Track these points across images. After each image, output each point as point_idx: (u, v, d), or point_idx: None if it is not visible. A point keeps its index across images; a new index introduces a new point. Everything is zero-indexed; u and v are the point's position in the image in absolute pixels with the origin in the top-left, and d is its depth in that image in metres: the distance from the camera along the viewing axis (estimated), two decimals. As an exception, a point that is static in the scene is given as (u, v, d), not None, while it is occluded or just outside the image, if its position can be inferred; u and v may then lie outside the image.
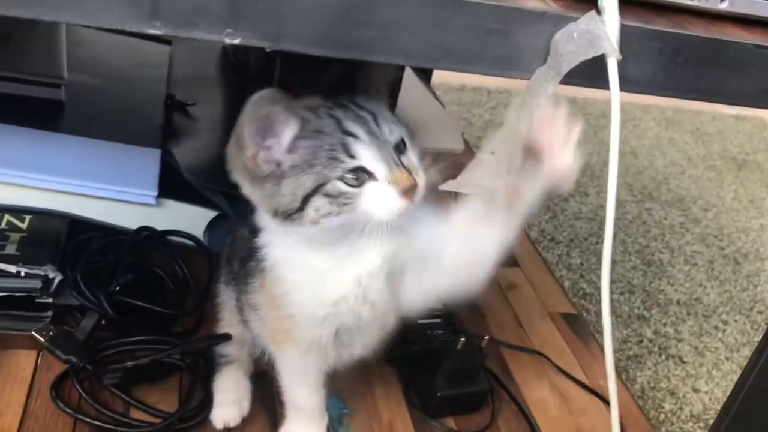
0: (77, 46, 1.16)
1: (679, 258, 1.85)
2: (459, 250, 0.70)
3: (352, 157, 0.65)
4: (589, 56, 0.52)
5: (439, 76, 2.33)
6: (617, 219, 1.96)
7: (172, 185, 1.05)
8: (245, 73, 1.37)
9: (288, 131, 0.65)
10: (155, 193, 1.02)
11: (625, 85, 0.56)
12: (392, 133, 0.67)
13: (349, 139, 0.65)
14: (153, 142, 1.10)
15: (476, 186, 0.65)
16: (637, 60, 0.55)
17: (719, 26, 0.58)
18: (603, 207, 2.02)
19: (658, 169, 2.28)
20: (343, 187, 0.65)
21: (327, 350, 0.78)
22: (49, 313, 0.93)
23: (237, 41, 0.49)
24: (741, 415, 0.83)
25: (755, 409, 0.82)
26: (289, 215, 0.67)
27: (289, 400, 0.86)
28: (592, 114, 2.55)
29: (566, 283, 1.61)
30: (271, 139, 0.65)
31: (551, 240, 1.79)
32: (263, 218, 0.73)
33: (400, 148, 0.68)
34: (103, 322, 0.93)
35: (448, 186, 0.67)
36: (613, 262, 1.74)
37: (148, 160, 1.06)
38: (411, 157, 0.68)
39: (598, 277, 1.67)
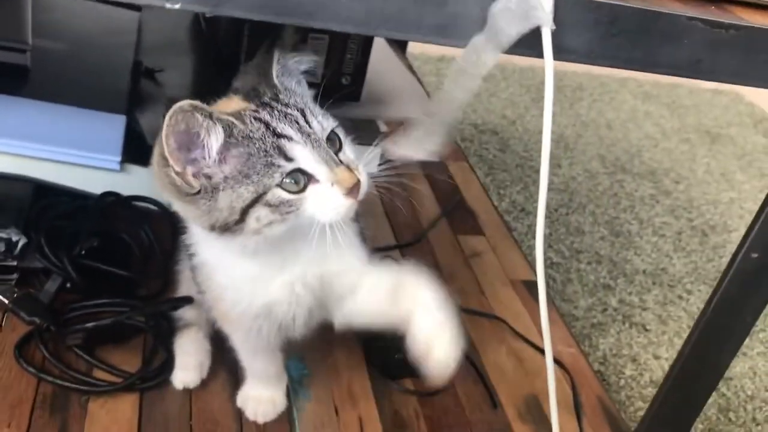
0: (43, 12, 1.16)
1: (647, 229, 1.88)
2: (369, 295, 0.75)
3: (289, 159, 0.62)
4: (526, 29, 0.53)
5: (417, 46, 2.33)
6: (588, 190, 1.98)
7: (138, 151, 1.06)
8: (215, 41, 1.37)
9: (214, 140, 0.61)
10: (119, 159, 1.03)
11: (563, 54, 0.58)
12: (323, 127, 0.66)
13: (283, 141, 0.63)
14: (118, 109, 1.10)
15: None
16: (574, 30, 0.57)
17: (656, -3, 0.59)
18: (574, 179, 2.06)
19: (632, 141, 2.31)
20: (284, 194, 0.63)
21: (268, 335, 0.79)
22: (14, 276, 0.94)
23: (177, 6, 0.51)
24: (682, 376, 0.86)
25: (695, 369, 0.85)
26: (227, 228, 0.64)
27: (246, 367, 0.88)
28: (568, 86, 2.57)
29: (533, 253, 1.63)
30: (196, 151, 0.61)
31: (521, 210, 1.81)
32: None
33: (333, 141, 0.66)
34: (68, 285, 0.94)
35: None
36: (582, 232, 1.78)
37: (113, 126, 1.06)
38: (347, 151, 0.67)
39: (567, 246, 1.71)
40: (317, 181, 0.64)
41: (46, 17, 1.17)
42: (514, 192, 1.88)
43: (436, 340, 0.68)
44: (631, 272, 1.70)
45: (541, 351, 1.08)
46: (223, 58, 1.32)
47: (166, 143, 0.59)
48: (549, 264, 1.65)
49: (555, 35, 0.55)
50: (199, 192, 0.63)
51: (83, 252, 0.96)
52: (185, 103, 0.59)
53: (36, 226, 0.96)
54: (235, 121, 0.62)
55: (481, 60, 0.56)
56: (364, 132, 1.25)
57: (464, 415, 0.95)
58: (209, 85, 1.31)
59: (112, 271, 0.97)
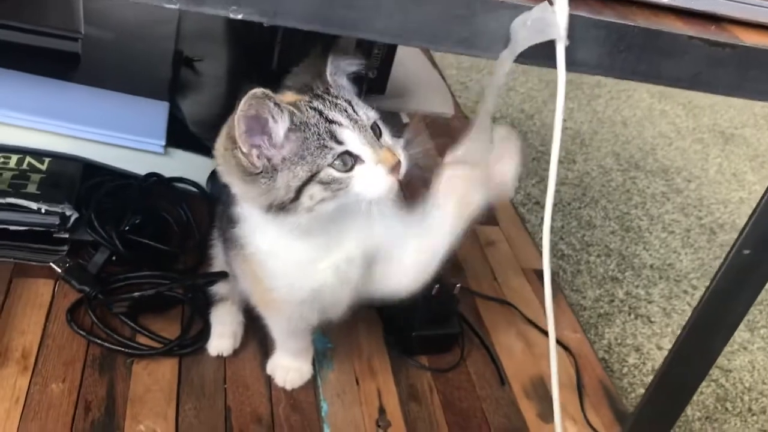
0: (93, 2, 1.24)
1: (657, 225, 1.94)
2: (414, 252, 0.81)
3: (340, 142, 0.70)
4: (540, 41, 0.60)
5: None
6: (601, 186, 2.05)
7: (179, 135, 1.14)
8: (251, 33, 1.45)
9: (280, 126, 0.69)
10: (163, 142, 1.11)
11: (575, 66, 0.64)
12: (368, 117, 0.73)
13: (334, 127, 0.70)
14: (161, 95, 1.18)
15: (470, 159, 0.74)
16: (585, 45, 0.64)
17: (660, 17, 0.66)
18: (588, 174, 2.12)
19: (646, 139, 2.36)
20: (335, 173, 0.70)
21: (309, 318, 0.87)
22: (65, 248, 1.03)
23: (240, 16, 0.58)
24: (677, 362, 0.93)
25: (689, 355, 0.92)
26: (283, 207, 0.71)
27: (278, 342, 0.96)
28: (586, 83, 2.62)
29: (546, 244, 1.70)
30: (263, 135, 0.69)
31: (536, 203, 1.88)
32: (245, 210, 0.79)
33: (375, 130, 0.73)
34: (114, 258, 1.03)
35: (449, 160, 0.76)
36: (593, 226, 1.84)
37: (157, 112, 1.15)
38: (386, 137, 0.75)
39: (578, 239, 1.78)
40: (363, 161, 0.71)
41: (95, 7, 1.25)
42: (529, 185, 1.95)
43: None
44: (638, 266, 1.76)
45: (548, 335, 1.15)
46: (258, 47, 1.40)
47: (237, 126, 0.67)
48: (560, 255, 1.72)
49: (568, 49, 0.62)
50: (260, 172, 0.70)
51: (128, 227, 1.04)
52: (258, 90, 0.66)
53: (86, 203, 1.04)
54: (295, 110, 0.70)
55: (502, 69, 0.63)
56: (388, 124, 1.32)
57: (474, 391, 1.03)
58: (245, 73, 1.39)
59: (154, 245, 1.05)
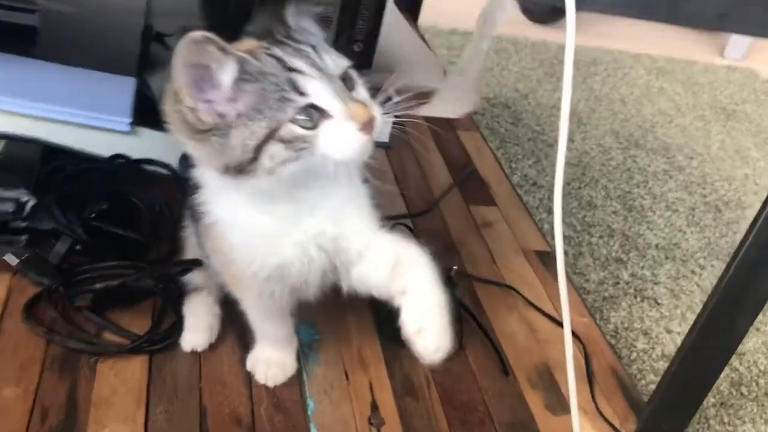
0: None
1: (660, 204, 1.86)
2: (367, 273, 0.75)
3: (302, 94, 0.61)
4: None
5: (429, 20, 2.31)
6: (601, 165, 1.96)
7: (148, 114, 1.05)
8: (225, 5, 1.36)
9: (226, 75, 0.60)
10: (129, 120, 1.02)
11: (586, 4, 0.56)
12: (336, 64, 0.64)
13: (296, 75, 0.61)
14: (128, 71, 1.09)
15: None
16: (597, -22, 0.55)
17: (681, -54, 0.57)
18: (587, 153, 2.03)
19: (645, 117, 2.28)
20: (298, 130, 0.61)
21: (280, 299, 0.78)
22: (24, 237, 0.94)
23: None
24: (697, 345, 0.85)
25: (711, 336, 0.84)
26: (241, 168, 0.63)
27: (257, 331, 0.87)
28: (582, 61, 2.54)
29: (545, 226, 1.62)
30: (209, 87, 0.60)
31: (533, 184, 1.79)
32: (204, 175, 0.71)
33: (346, 80, 0.65)
34: (78, 247, 0.94)
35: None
36: (594, 206, 1.76)
37: (123, 88, 1.06)
38: (360, 90, 0.66)
39: (579, 220, 1.69)
40: (330, 116, 0.62)
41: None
42: (525, 166, 1.86)
43: (425, 326, 0.67)
44: (643, 246, 1.68)
45: (552, 319, 1.07)
46: (233, 23, 1.31)
47: (176, 75, 0.58)
48: (561, 237, 1.63)
49: (578, -17, 0.54)
50: (211, 129, 0.61)
51: (93, 214, 0.95)
52: (197, 33, 0.57)
53: (46, 188, 0.95)
54: (248, 57, 0.61)
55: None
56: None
57: (475, 381, 0.94)
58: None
59: (122, 233, 0.96)
